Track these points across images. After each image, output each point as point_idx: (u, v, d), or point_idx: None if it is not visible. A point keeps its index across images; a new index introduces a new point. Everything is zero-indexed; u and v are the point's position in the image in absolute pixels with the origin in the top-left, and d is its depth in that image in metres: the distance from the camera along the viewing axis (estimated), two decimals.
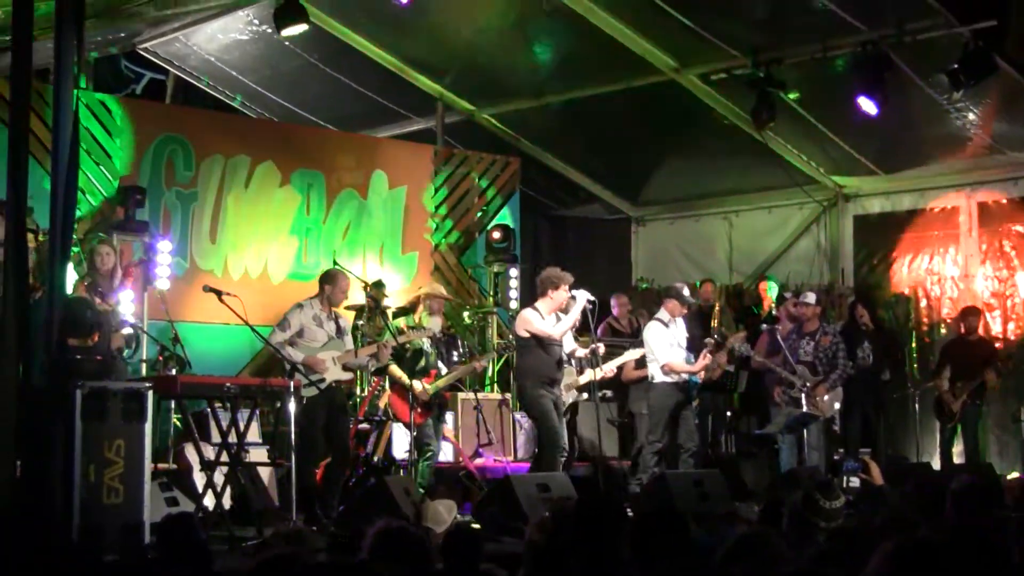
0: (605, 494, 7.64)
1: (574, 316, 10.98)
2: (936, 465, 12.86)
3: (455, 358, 12.19)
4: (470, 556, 5.62)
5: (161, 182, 12.85)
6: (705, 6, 12.03)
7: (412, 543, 4.56)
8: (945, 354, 13.20)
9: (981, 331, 13.11)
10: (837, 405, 12.03)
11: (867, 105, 11.77)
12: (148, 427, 8.04)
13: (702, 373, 11.71)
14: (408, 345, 10.78)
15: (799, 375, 11.91)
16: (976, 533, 3.35)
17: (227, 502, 9.53)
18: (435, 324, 11.04)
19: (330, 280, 10.46)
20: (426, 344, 10.91)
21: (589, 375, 11.50)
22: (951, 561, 3.04)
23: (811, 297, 12.37)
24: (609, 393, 13.00)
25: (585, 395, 12.16)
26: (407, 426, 10.70)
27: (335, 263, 11.18)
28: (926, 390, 13.48)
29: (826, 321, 12.54)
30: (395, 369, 10.82)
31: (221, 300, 9.48)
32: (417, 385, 10.71)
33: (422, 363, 10.92)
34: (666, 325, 11.64)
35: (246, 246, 13.43)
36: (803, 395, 11.82)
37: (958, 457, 12.95)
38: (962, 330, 13.04)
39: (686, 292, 11.82)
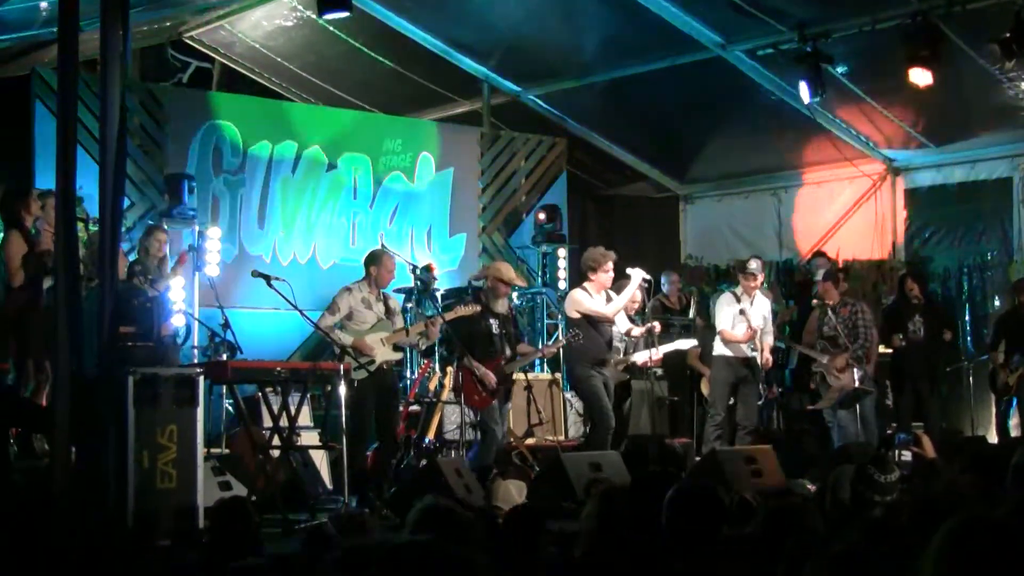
0: (661, 471, 7.61)
1: (628, 294, 10.97)
2: (992, 439, 12.72)
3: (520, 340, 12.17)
4: (531, 535, 5.63)
5: (209, 169, 12.94)
6: None
7: (457, 522, 4.55)
8: (999, 327, 13.06)
9: None
10: (857, 378, 11.83)
11: (919, 76, 11.63)
12: (200, 412, 8.10)
13: (768, 356, 11.64)
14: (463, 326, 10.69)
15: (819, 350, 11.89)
16: None
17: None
18: (500, 306, 10.96)
19: (375, 261, 10.47)
20: (494, 327, 10.85)
21: (643, 355, 11.47)
22: (1018, 539, 2.99)
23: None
24: (660, 372, 12.94)
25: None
26: (473, 410, 10.69)
27: (382, 246, 11.17)
28: (980, 363, 13.36)
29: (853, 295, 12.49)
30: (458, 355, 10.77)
31: (270, 285, 9.52)
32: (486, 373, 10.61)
33: (491, 347, 10.83)
34: (737, 298, 11.60)
35: (294, 231, 13.49)
36: (854, 371, 11.73)
37: (1015, 431, 12.82)
38: (1016, 303, 12.88)
39: (752, 265, 11.77)
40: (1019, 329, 12.71)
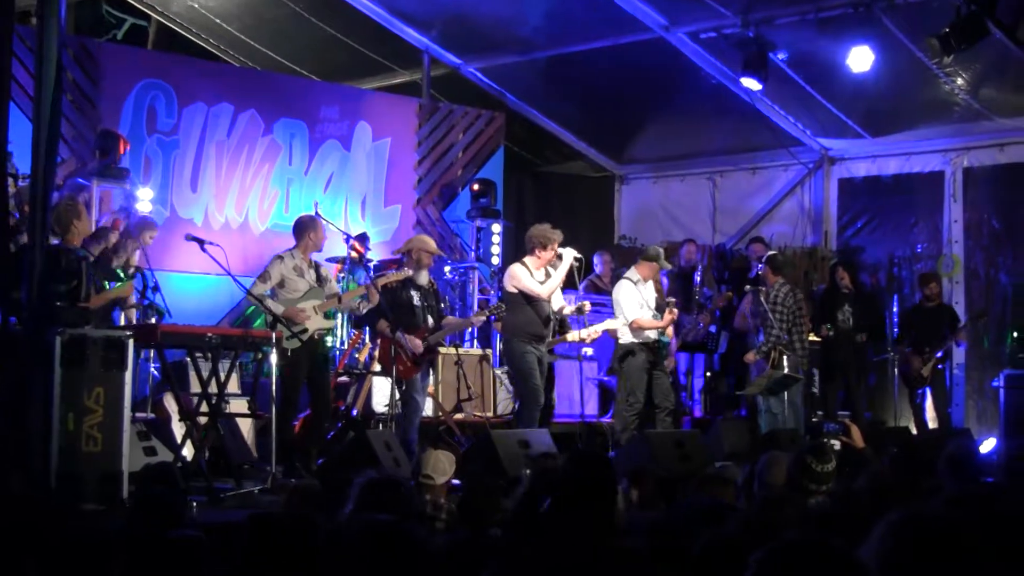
0: (593, 452, 7.60)
1: (562, 274, 10.95)
2: (913, 430, 12.89)
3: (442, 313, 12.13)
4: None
5: (143, 129, 12.72)
6: None
7: (400, 494, 4.51)
8: (905, 321, 13.27)
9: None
10: (788, 364, 11.87)
11: (858, 59, 11.67)
12: (128, 376, 7.96)
13: (671, 332, 11.66)
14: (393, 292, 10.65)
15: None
16: (978, 501, 3.32)
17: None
18: (422, 278, 10.93)
19: (307, 227, 10.37)
20: (415, 298, 10.80)
21: (573, 334, 11.47)
22: (958, 532, 3.00)
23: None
24: (590, 352, 12.95)
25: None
26: (396, 380, 10.63)
27: (316, 213, 11.06)
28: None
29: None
30: (384, 324, 10.70)
31: (203, 249, 9.38)
32: (414, 340, 10.58)
33: (413, 318, 10.79)
34: (634, 284, 11.57)
35: (227, 195, 13.33)
36: (785, 357, 11.79)
37: (931, 422, 13.00)
38: (923, 296, 13.08)
39: (663, 257, 11.72)
40: (925, 322, 12.90)
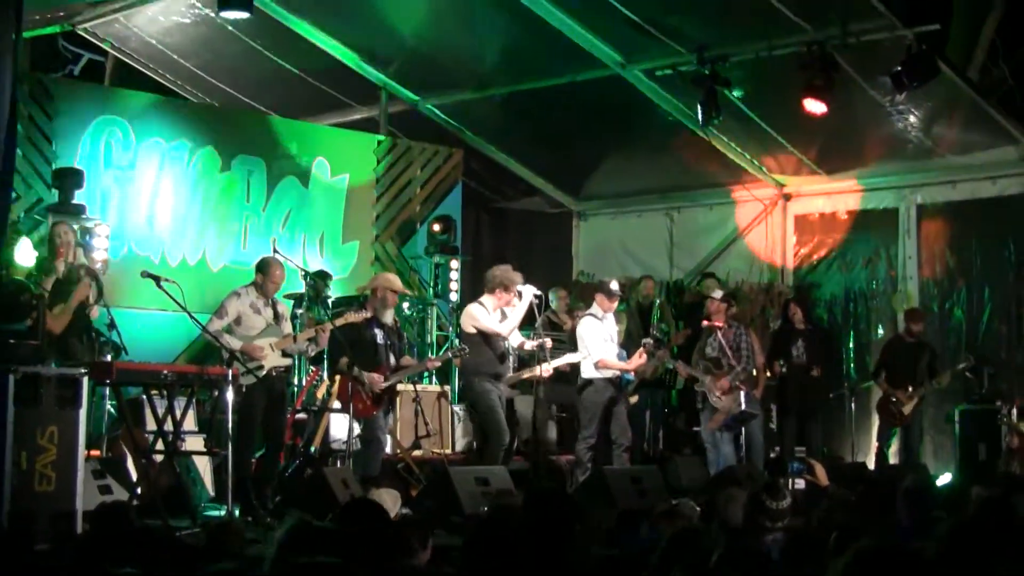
0: (553, 489, 7.59)
1: (521, 312, 10.99)
2: (871, 465, 12.96)
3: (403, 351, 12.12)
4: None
5: (99, 164, 12.67)
6: (651, 0, 12.00)
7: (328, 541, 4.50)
8: (884, 355, 13.32)
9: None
10: (743, 401, 11.90)
11: (814, 106, 11.80)
12: (83, 414, 7.92)
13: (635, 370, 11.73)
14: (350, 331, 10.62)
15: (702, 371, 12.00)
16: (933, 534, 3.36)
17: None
18: (387, 317, 10.93)
19: (263, 269, 10.36)
20: (379, 337, 10.80)
21: (535, 370, 11.48)
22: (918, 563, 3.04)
23: (717, 293, 12.44)
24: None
25: (518, 390, 12.19)
26: (357, 418, 10.60)
27: (274, 250, 11.04)
28: (862, 390, 13.61)
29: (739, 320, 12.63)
30: (343, 361, 10.68)
31: (159, 286, 9.36)
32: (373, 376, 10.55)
33: (375, 356, 10.77)
34: (600, 320, 11.62)
35: (184, 232, 13.27)
36: (741, 394, 11.83)
37: (893, 458, 13.06)
38: (903, 330, 13.15)
39: (613, 286, 11.76)
40: (904, 358, 12.97)
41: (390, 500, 7.49)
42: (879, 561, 3.03)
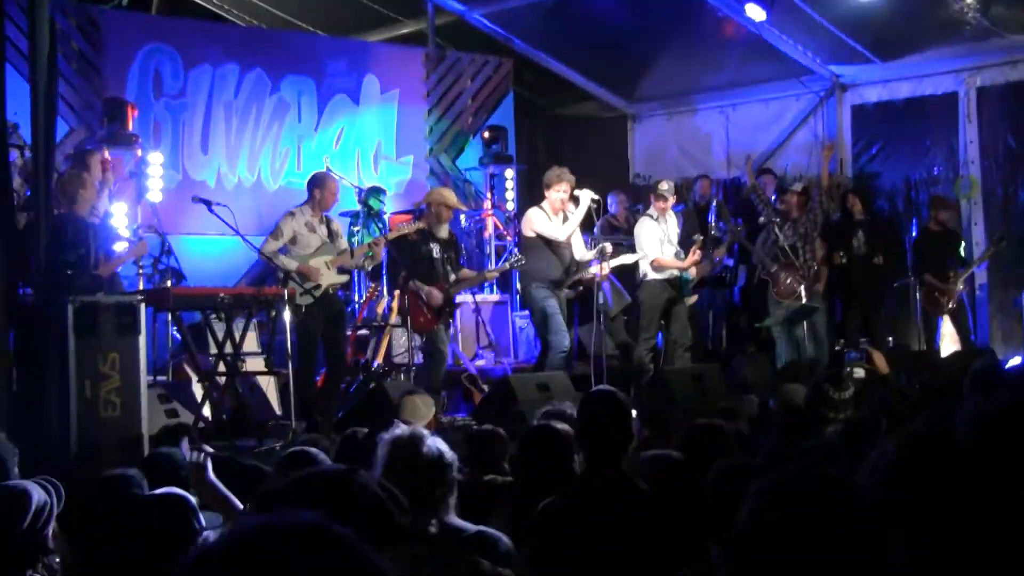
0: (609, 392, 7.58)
1: (580, 215, 10.94)
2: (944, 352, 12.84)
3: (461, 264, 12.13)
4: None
5: (150, 93, 12.72)
6: None
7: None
8: (917, 249, 13.20)
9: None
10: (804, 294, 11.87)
11: None
12: (142, 340, 8.02)
13: (694, 269, 11.67)
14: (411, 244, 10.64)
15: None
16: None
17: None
18: (442, 231, 10.93)
19: (318, 184, 10.38)
20: (435, 251, 10.80)
21: (593, 269, 11.43)
22: (957, 448, 3.01)
23: (797, 186, 12.37)
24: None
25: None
26: (419, 332, 10.67)
27: (327, 169, 11.06)
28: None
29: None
30: (402, 276, 10.72)
31: (211, 211, 9.43)
32: (432, 291, 10.59)
33: (432, 271, 10.79)
34: (656, 220, 11.57)
35: (239, 155, 13.33)
36: (802, 287, 11.77)
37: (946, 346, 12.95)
38: (931, 222, 12.99)
39: (664, 186, 11.69)
40: (938, 247, 12.83)
41: (422, 404, 7.52)
42: (917, 448, 3.00)
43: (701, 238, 11.70)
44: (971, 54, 13.60)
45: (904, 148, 14.41)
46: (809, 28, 13.68)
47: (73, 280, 7.93)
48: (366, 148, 14.24)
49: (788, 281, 11.97)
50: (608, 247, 11.32)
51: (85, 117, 12.19)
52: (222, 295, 9.27)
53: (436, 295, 10.59)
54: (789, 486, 2.67)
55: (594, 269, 11.19)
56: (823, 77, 14.76)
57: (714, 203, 13.63)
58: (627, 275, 11.98)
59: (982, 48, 13.45)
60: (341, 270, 10.29)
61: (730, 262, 13.16)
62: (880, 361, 10.24)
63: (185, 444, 5.83)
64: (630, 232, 12.78)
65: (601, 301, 11.22)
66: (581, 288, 11.74)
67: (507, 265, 11.45)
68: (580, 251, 11.22)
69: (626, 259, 11.60)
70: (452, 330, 11.76)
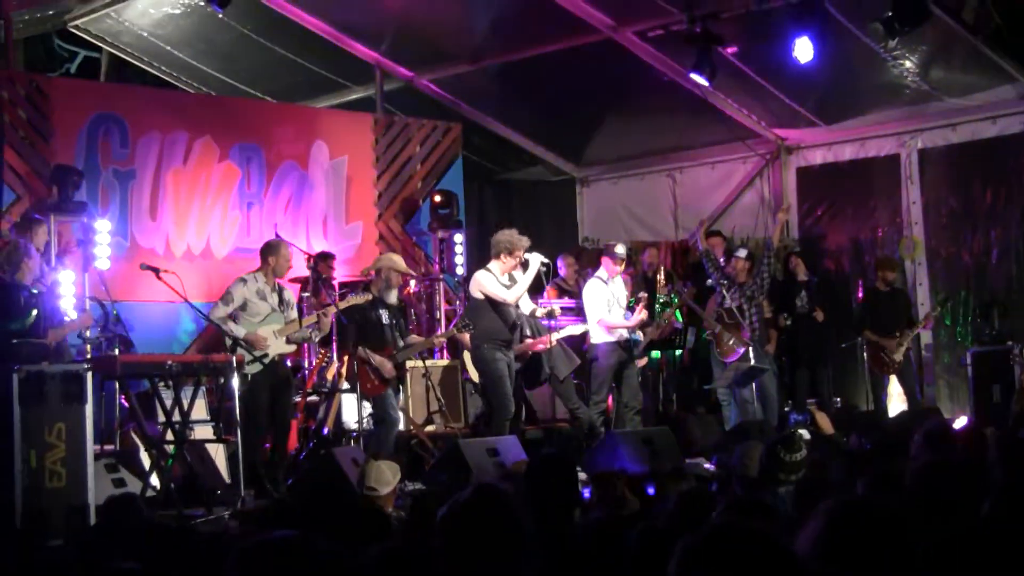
0: (557, 455, 7.59)
1: (528, 278, 10.97)
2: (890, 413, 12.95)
3: (409, 329, 12.14)
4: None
5: (98, 161, 12.68)
6: None
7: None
8: (863, 307, 13.37)
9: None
10: (752, 356, 11.97)
11: (803, 50, 11.68)
12: (89, 409, 7.98)
13: (641, 332, 11.77)
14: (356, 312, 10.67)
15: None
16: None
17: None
18: (391, 297, 10.97)
19: (272, 251, 10.41)
20: (384, 317, 10.84)
21: (539, 340, 11.49)
22: (890, 517, 3.04)
23: (742, 252, 12.49)
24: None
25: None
26: (367, 398, 10.66)
27: (277, 235, 11.08)
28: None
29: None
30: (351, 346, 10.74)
31: (159, 278, 9.40)
32: (383, 361, 10.61)
33: (381, 337, 10.81)
34: (605, 283, 11.66)
35: (187, 222, 13.30)
36: (750, 349, 11.86)
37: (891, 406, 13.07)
38: (879, 282, 13.17)
39: (619, 250, 11.81)
40: (886, 307, 13.01)
41: (388, 471, 7.51)
42: (848, 516, 3.04)
43: (645, 295, 11.80)
44: (911, 117, 13.86)
45: (849, 209, 14.61)
46: (754, 92, 13.89)
47: (19, 349, 7.88)
48: (315, 214, 14.24)
49: (731, 342, 12.06)
50: (557, 308, 11.40)
51: (32, 185, 12.14)
52: (170, 362, 9.23)
53: (388, 365, 10.61)
54: (715, 544, 2.70)
55: (541, 341, 11.24)
56: (768, 140, 14.96)
57: (662, 269, 13.75)
58: (576, 337, 12.02)
59: (922, 111, 13.71)
60: (288, 340, 10.28)
61: (679, 325, 13.23)
62: (824, 422, 10.34)
63: None
64: (579, 295, 12.85)
65: (549, 367, 11.30)
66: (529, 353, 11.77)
67: (455, 330, 11.49)
68: (527, 305, 11.26)
69: (572, 330, 11.68)
70: (403, 396, 11.75)
